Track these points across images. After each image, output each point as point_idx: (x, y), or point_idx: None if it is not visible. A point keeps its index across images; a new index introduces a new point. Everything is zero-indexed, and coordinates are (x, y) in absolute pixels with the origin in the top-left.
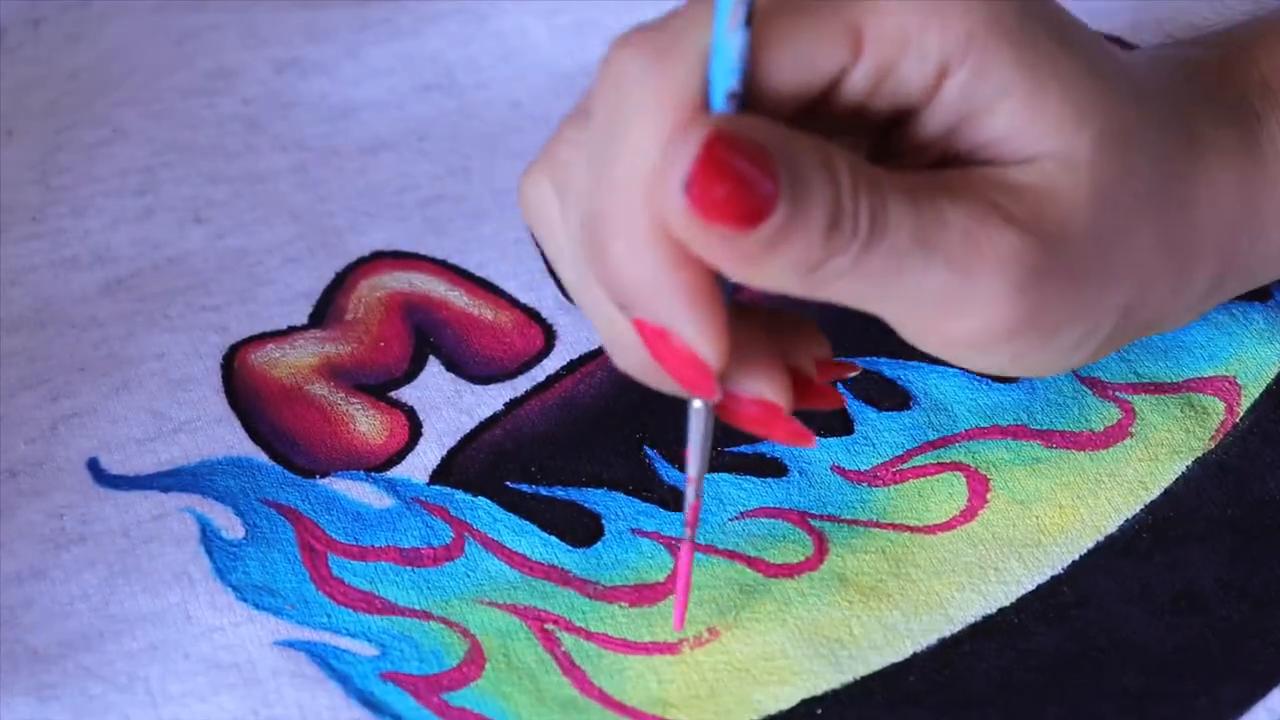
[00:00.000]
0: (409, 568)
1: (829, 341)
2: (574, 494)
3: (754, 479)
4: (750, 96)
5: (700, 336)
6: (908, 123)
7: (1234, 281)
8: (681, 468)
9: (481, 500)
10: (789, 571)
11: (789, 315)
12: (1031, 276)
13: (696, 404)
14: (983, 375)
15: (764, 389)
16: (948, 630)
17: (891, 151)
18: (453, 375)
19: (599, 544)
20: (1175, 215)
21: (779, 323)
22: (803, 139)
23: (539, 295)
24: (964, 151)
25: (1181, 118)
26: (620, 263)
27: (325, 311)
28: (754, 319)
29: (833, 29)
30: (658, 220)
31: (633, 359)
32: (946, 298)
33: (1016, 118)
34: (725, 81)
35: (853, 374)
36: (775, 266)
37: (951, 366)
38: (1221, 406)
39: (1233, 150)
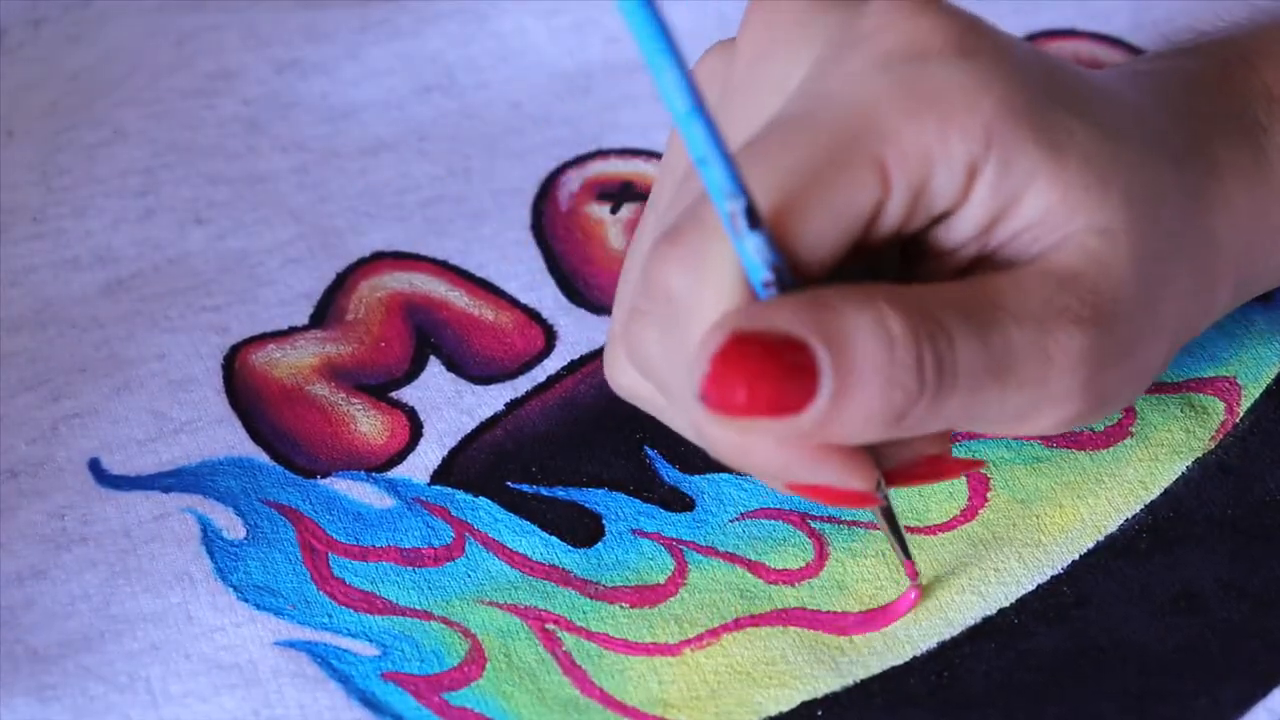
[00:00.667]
0: (410, 568)
1: None
2: (575, 494)
3: (754, 480)
4: (795, 266)
5: (848, 482)
6: (940, 225)
7: (1245, 292)
8: (682, 468)
9: (482, 500)
10: (789, 578)
11: None
12: (1098, 366)
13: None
14: None
15: (924, 448)
16: (947, 631)
17: (925, 254)
18: (453, 375)
19: (600, 544)
20: (1202, 249)
21: None
22: (849, 301)
23: (539, 295)
24: (1002, 242)
25: (1197, 145)
26: (742, 461)
27: (326, 312)
28: None
29: (858, 171)
30: None
31: (787, 491)
32: (1023, 412)
33: (1046, 197)
34: (758, 275)
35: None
36: (843, 434)
37: None
38: (1222, 407)
39: (1245, 168)
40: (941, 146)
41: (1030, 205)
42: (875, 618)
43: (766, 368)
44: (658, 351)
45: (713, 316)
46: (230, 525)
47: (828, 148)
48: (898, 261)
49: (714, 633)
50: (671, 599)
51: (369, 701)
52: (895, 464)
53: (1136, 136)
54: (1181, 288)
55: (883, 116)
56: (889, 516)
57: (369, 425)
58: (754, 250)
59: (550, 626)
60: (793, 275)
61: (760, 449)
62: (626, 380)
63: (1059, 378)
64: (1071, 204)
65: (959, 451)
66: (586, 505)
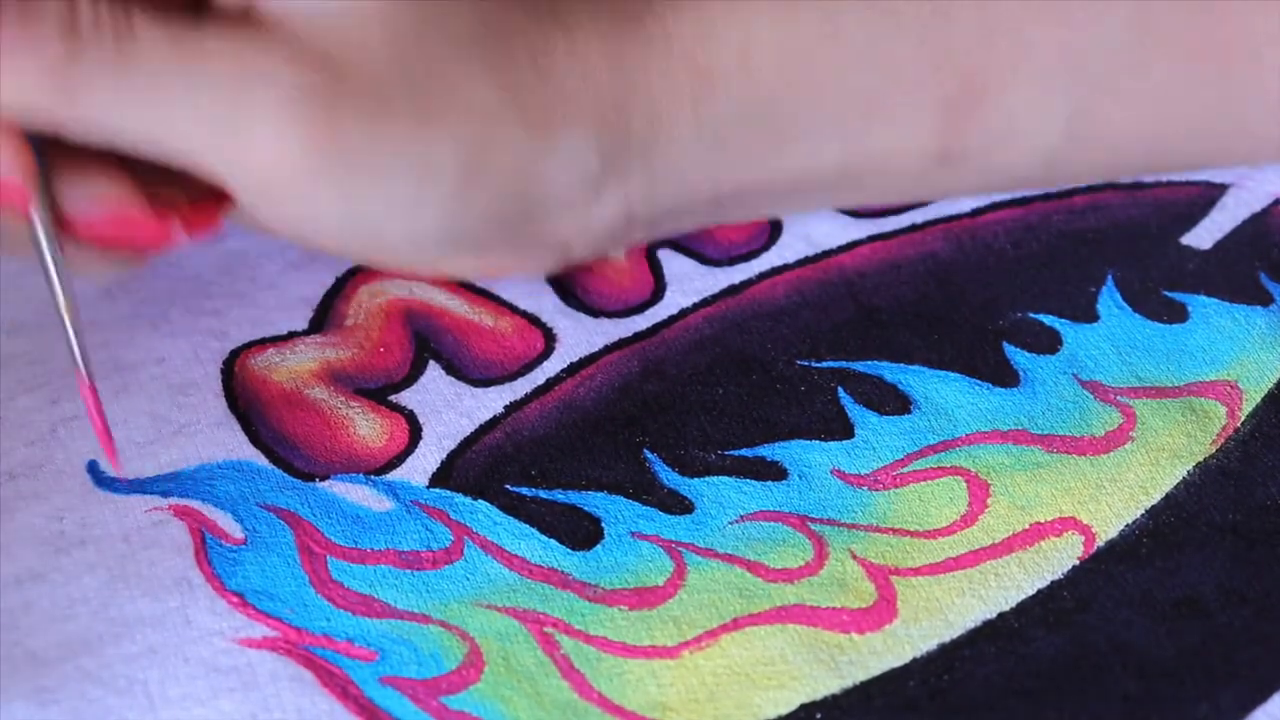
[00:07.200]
0: (408, 571)
1: None
2: (574, 497)
3: (754, 482)
4: None
5: None
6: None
7: (659, 200)
8: (681, 471)
9: (481, 503)
10: (789, 576)
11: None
12: (313, 97)
13: (37, 226)
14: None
15: (112, 194)
16: (948, 635)
17: None
18: (452, 379)
19: (599, 547)
20: (526, 73)
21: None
22: None
23: (539, 302)
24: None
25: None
26: None
27: (325, 317)
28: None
29: None
30: None
31: None
32: (226, 116)
33: None
34: None
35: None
36: (21, 74)
37: (951, 371)
38: (1223, 411)
39: (604, 33)
40: None
41: None
42: None
43: None
44: None
45: None
46: (229, 529)
47: None
48: None
49: (712, 634)
50: (670, 600)
51: (367, 705)
52: (82, 206)
53: None
54: (474, 89)
55: None
56: (45, 244)
57: (368, 428)
58: None
59: (549, 630)
60: None
61: None
62: None
63: (258, 87)
64: None
65: (961, 457)
66: (585, 508)
